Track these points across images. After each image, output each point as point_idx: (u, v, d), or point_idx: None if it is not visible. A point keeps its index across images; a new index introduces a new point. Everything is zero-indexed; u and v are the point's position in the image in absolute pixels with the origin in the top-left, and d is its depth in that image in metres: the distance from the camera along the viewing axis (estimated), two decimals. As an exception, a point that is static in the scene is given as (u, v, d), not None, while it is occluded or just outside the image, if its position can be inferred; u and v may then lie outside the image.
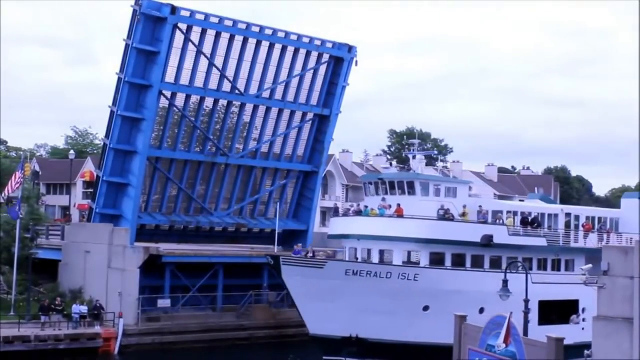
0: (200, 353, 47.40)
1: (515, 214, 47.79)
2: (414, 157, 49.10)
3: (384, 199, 45.59)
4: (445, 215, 43.87)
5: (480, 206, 46.10)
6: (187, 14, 52.28)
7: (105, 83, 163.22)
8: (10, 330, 43.79)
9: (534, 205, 53.42)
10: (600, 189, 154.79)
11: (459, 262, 44.30)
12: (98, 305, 48.12)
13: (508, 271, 34.94)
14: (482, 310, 42.02)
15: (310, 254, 44.12)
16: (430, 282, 41.89)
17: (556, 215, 50.36)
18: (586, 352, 29.04)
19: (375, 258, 44.46)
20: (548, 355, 10.70)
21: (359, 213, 46.36)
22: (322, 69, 60.04)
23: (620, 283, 26.31)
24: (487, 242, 43.64)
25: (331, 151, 72.47)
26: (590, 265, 44.51)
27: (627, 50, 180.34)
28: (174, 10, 51.07)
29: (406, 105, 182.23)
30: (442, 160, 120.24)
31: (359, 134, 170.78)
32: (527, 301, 30.99)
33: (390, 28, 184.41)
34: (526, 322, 30.42)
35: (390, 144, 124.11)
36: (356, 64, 60.37)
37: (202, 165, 57.54)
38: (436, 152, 49.01)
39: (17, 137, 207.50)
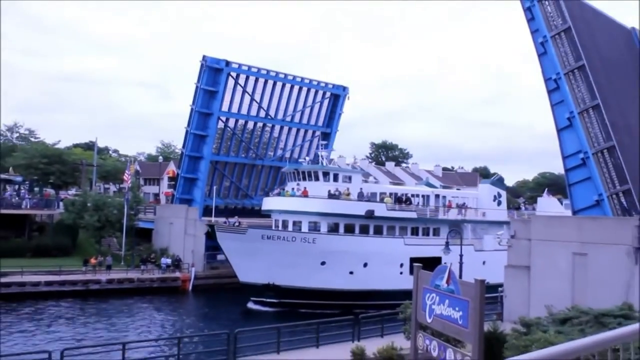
0: (244, 290, 46.91)
1: (395, 195, 43.94)
2: (321, 155, 45.21)
3: (298, 184, 42.20)
4: (333, 195, 40.63)
5: (361, 188, 42.28)
6: (237, 65, 52.28)
7: (180, 112, 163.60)
8: (121, 274, 44.35)
9: (412, 189, 48.94)
10: (509, 181, 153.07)
11: (350, 229, 40.68)
12: (178, 258, 48.27)
13: (450, 237, 31.80)
14: (365, 265, 39.70)
15: (237, 224, 40.97)
16: (326, 244, 38.84)
17: (428, 196, 45.74)
18: (500, 289, 28.09)
19: (291, 227, 40.62)
20: (475, 291, 10.54)
21: (279, 194, 43.37)
22: (325, 102, 59.81)
23: (522, 243, 26.50)
24: (370, 215, 40.19)
25: (331, 156, 71.70)
26: (502, 231, 43.38)
27: (529, 88, 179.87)
28: (228, 63, 51.20)
29: (382, 125, 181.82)
30: (404, 162, 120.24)
31: (350, 144, 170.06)
32: (461, 255, 27.95)
33: (371, 71, 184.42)
34: (461, 270, 27.37)
35: (371, 151, 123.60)
36: (348, 98, 60.22)
37: (245, 166, 57.28)
38: (334, 149, 44.45)
39: (125, 148, 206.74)
